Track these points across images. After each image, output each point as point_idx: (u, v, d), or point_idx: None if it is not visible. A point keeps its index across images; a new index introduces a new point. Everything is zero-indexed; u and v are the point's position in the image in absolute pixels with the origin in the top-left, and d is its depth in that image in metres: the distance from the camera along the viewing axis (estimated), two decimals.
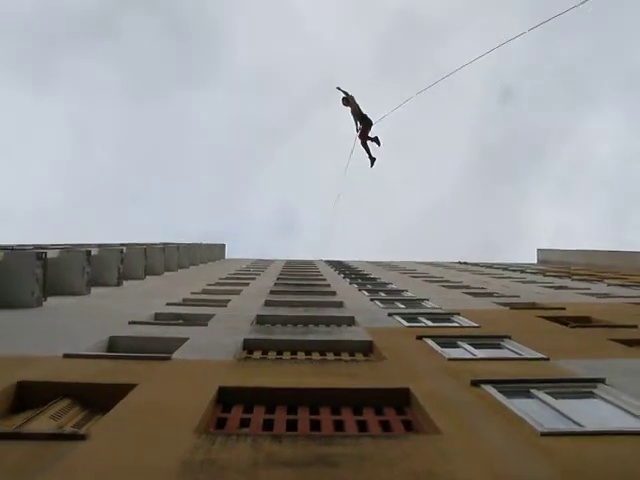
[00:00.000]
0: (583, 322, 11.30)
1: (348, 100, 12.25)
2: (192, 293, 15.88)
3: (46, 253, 12.88)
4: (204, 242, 35.43)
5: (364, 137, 12.75)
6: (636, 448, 4.39)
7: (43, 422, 5.00)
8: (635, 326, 10.36)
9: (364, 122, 12.54)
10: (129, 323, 10.01)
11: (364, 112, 12.51)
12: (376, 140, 12.80)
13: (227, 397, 5.69)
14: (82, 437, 4.28)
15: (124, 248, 18.91)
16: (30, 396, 5.75)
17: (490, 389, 5.98)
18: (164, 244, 24.64)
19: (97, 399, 5.71)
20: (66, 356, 7.17)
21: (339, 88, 12.15)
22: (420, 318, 11.70)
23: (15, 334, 8.98)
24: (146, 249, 20.90)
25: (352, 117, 12.70)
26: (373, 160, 13.03)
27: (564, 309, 13.09)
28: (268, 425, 5.12)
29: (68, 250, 15.58)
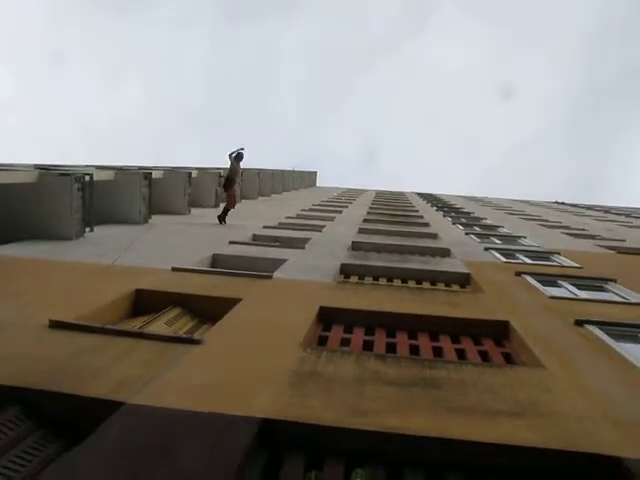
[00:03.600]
0: None
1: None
2: (287, 217, 16.21)
3: (151, 173, 13.49)
4: (296, 169, 35.77)
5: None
6: None
7: (159, 326, 5.39)
8: None
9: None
10: (229, 243, 10.40)
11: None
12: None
13: (328, 317, 5.86)
14: (197, 342, 4.58)
15: (222, 172, 19.41)
16: (145, 303, 6.22)
17: (595, 330, 5.76)
18: (258, 169, 25.06)
19: (205, 310, 6.07)
20: (174, 269, 7.60)
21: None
22: (517, 255, 11.35)
23: (127, 247, 9.58)
24: (242, 173, 21.36)
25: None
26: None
27: None
28: (368, 346, 5.24)
29: (170, 172, 16.24)
